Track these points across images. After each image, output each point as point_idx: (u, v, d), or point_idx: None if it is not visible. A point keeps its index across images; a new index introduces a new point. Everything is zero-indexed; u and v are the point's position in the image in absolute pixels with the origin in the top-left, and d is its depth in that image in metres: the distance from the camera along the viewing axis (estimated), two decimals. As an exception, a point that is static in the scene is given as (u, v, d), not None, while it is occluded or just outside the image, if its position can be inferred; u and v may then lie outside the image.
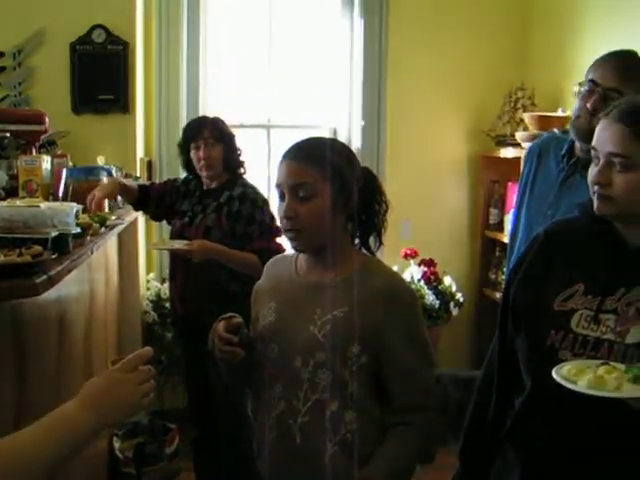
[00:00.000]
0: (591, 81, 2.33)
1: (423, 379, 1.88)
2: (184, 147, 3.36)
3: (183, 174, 3.58)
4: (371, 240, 2.00)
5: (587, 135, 2.05)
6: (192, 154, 3.29)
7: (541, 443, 1.57)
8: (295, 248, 1.92)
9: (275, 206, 2.03)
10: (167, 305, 4.26)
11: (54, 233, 1.80)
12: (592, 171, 1.56)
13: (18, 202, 2.28)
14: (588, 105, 2.32)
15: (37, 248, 1.67)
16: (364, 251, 2.00)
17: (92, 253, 2.19)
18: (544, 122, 4.24)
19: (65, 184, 2.95)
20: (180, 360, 3.59)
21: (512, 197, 4.63)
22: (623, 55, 2.40)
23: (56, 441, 1.20)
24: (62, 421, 1.23)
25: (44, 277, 1.56)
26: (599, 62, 2.39)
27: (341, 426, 1.82)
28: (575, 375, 1.41)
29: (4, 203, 2.29)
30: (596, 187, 1.54)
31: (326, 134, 4.80)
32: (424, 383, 1.88)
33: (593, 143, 1.56)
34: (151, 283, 4.59)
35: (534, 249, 1.69)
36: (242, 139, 3.43)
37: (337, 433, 1.82)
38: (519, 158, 4.32)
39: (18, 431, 1.17)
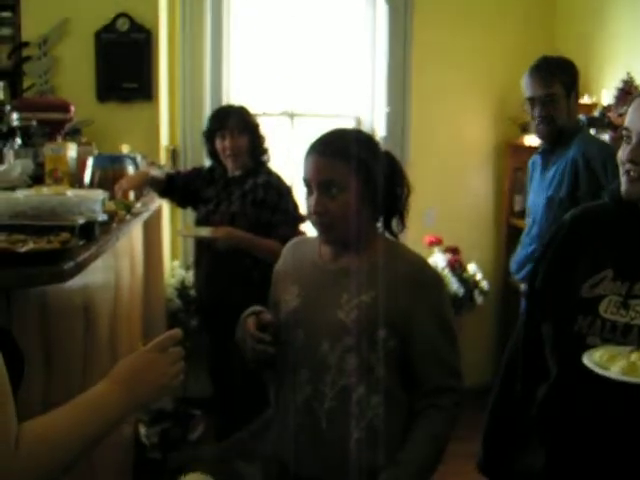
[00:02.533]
0: (529, 98, 3.09)
1: (451, 361, 1.91)
2: (209, 136, 3.36)
3: (207, 162, 3.59)
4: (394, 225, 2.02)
5: (544, 135, 3.12)
6: (217, 143, 3.30)
7: (567, 429, 1.56)
8: (325, 241, 1.94)
9: (300, 195, 2.04)
10: (192, 292, 4.29)
11: (81, 220, 1.81)
12: (624, 150, 1.53)
13: (44, 190, 2.30)
14: (535, 114, 3.08)
15: (65, 235, 1.67)
16: (388, 236, 2.01)
17: (118, 240, 2.20)
18: (570, 109, 4.20)
19: (91, 172, 2.96)
20: (204, 347, 3.61)
21: (537, 185, 4.61)
22: (537, 66, 3.12)
23: (93, 419, 1.20)
24: (98, 400, 1.24)
25: (71, 264, 1.57)
26: (526, 80, 3.11)
27: (367, 411, 1.84)
28: (607, 361, 1.39)
29: (31, 191, 2.31)
30: (627, 165, 1.51)
31: (350, 122, 4.79)
32: (452, 365, 1.91)
33: (626, 124, 1.54)
34: (176, 270, 4.62)
35: (561, 234, 1.67)
36: (265, 127, 3.43)
37: (363, 418, 1.84)
38: (544, 145, 4.30)
39: (55, 409, 1.18)
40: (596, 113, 4.05)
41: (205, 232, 3.19)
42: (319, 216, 1.85)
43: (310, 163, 1.87)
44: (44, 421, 1.15)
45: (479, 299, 4.71)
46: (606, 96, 4.12)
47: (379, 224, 1.99)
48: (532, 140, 4.52)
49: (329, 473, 1.86)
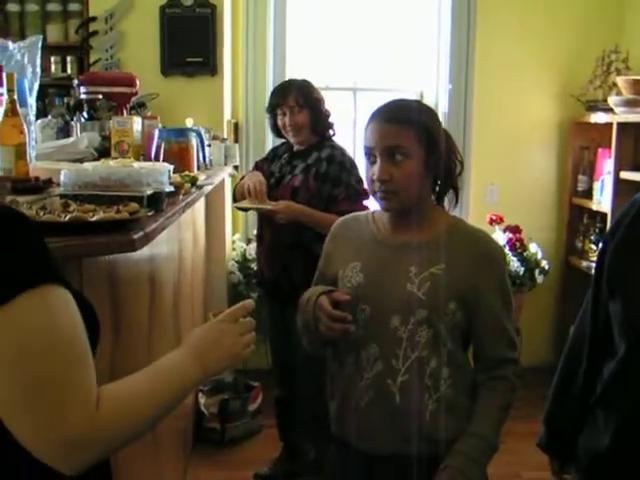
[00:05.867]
0: None
1: (511, 333, 1.93)
2: (271, 111, 3.38)
3: (269, 136, 3.61)
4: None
5: None
6: (278, 119, 3.32)
7: (634, 409, 1.54)
8: (388, 209, 1.91)
9: (363, 168, 2.03)
10: (252, 266, 4.34)
11: (149, 191, 1.84)
12: None
13: (111, 162, 2.34)
14: None
15: (134, 205, 1.70)
16: (446, 210, 2.00)
17: (184, 212, 2.24)
18: (639, 87, 4.10)
19: (156, 145, 3.00)
20: (264, 320, 3.64)
21: (602, 164, 4.53)
22: None
23: (169, 385, 1.21)
24: (174, 367, 1.25)
25: (141, 233, 1.59)
26: None
27: (440, 382, 1.84)
28: None
29: (98, 163, 2.35)
30: None
31: (413, 97, 4.75)
32: (512, 337, 1.93)
33: None
34: (237, 244, 4.67)
35: (632, 213, 1.64)
36: (328, 101, 3.41)
37: (437, 389, 1.84)
38: (611, 124, 4.21)
39: (132, 374, 1.20)
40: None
41: (264, 205, 3.21)
42: (383, 183, 1.82)
43: (374, 130, 1.85)
44: (123, 385, 1.16)
45: (539, 278, 4.67)
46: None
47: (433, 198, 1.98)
48: (598, 118, 4.44)
49: (403, 447, 1.85)
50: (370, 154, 1.86)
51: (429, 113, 1.95)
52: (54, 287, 1.05)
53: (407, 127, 1.82)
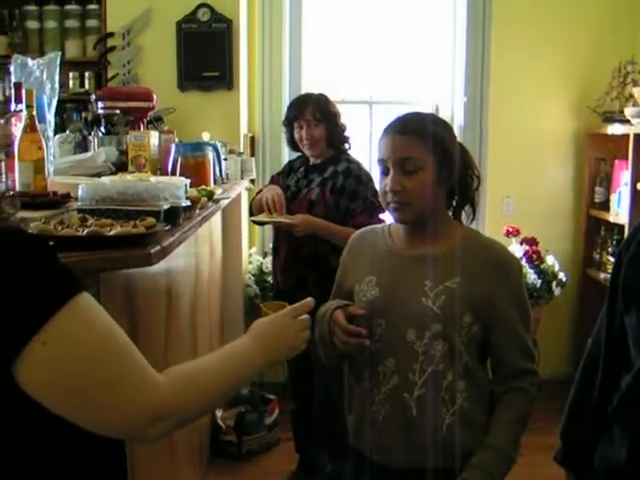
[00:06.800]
0: None
1: (528, 344, 1.92)
2: (288, 125, 3.40)
3: (285, 150, 3.62)
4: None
5: None
6: (295, 133, 3.34)
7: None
8: (401, 221, 1.92)
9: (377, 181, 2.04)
10: (269, 279, 4.34)
11: (166, 206, 1.85)
12: None
13: (128, 177, 2.36)
14: None
15: (150, 220, 1.71)
16: (462, 223, 2.00)
17: (200, 226, 2.25)
18: (655, 98, 4.10)
19: (173, 159, 3.02)
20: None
21: (619, 175, 4.51)
22: None
23: (236, 370, 1.32)
24: (241, 354, 1.36)
25: (157, 247, 1.60)
26: None
27: (457, 396, 1.84)
28: None
29: (115, 177, 2.37)
30: None
31: (428, 110, 4.76)
32: (529, 347, 1.92)
33: None
34: (253, 257, 4.69)
35: None
36: (344, 115, 3.43)
37: (454, 403, 1.84)
38: (627, 135, 4.20)
39: (202, 356, 1.32)
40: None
41: (282, 219, 3.22)
42: (395, 194, 1.84)
43: (387, 142, 1.87)
44: (193, 364, 1.28)
45: (557, 291, 4.65)
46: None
47: (450, 213, 1.99)
48: (615, 129, 4.43)
49: (420, 461, 1.85)
50: (383, 166, 1.88)
51: (443, 126, 1.95)
52: (81, 295, 1.09)
53: (419, 138, 1.84)
